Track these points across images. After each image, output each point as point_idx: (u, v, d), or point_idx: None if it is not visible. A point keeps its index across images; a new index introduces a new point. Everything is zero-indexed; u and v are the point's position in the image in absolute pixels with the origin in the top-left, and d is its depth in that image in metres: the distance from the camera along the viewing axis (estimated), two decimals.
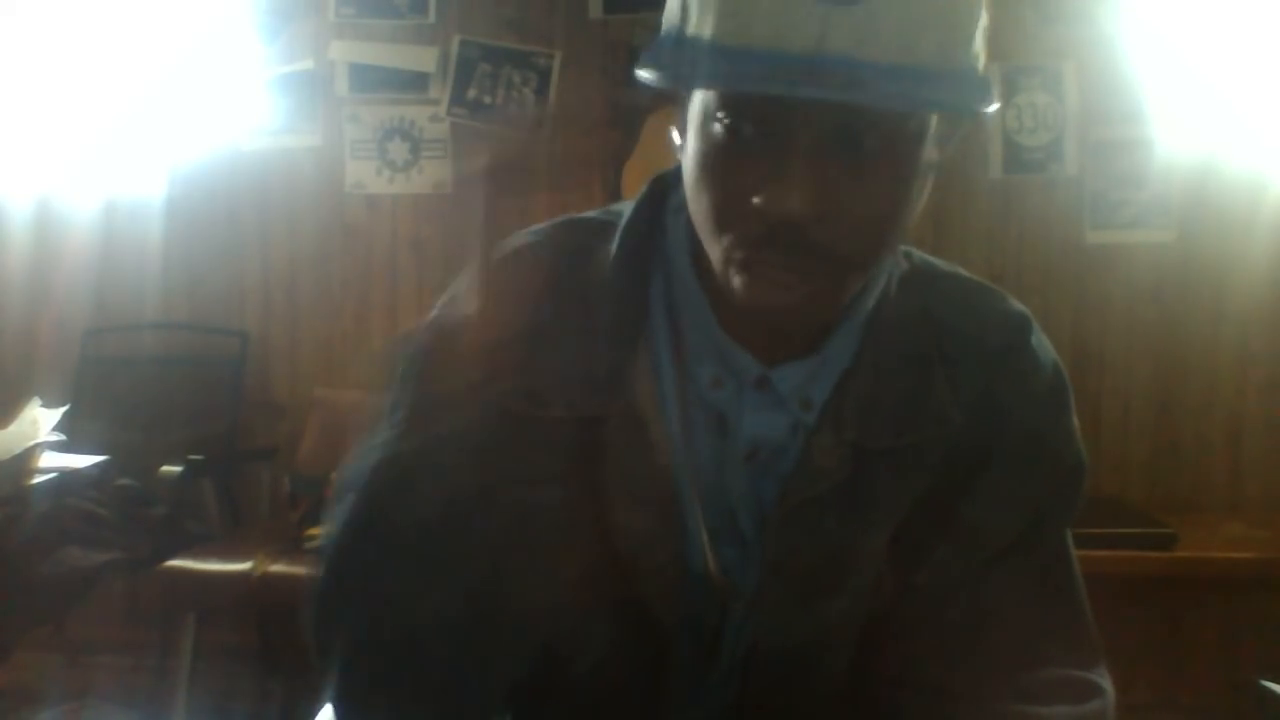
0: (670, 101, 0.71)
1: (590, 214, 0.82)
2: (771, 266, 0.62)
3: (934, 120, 0.64)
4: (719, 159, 0.63)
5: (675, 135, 0.71)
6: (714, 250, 0.66)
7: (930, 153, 0.65)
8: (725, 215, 0.63)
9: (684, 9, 0.62)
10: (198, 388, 2.77)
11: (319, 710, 0.93)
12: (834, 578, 0.74)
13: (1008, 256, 2.63)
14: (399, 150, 2.77)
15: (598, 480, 0.72)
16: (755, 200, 0.60)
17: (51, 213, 2.83)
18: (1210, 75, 2.46)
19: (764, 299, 0.63)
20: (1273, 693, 1.60)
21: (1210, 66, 2.46)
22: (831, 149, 0.60)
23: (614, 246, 0.76)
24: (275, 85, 2.78)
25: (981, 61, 0.65)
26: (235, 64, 2.76)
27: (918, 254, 0.81)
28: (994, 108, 0.64)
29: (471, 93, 2.74)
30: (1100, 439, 2.60)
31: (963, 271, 0.82)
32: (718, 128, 0.62)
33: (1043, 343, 0.79)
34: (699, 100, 0.64)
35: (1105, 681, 0.75)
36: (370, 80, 2.77)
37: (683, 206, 0.75)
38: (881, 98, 0.57)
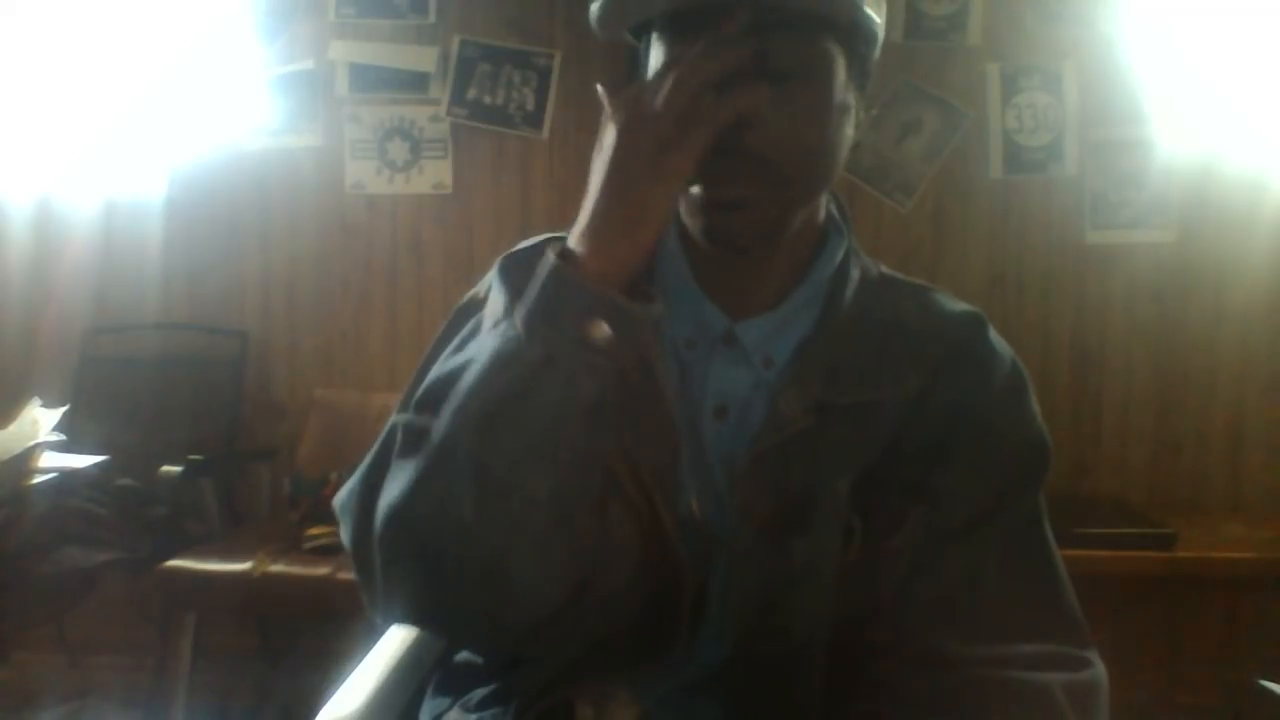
0: None
1: None
2: (721, 168, 0.72)
3: (839, 63, 0.76)
4: None
5: None
6: None
7: (841, 93, 0.77)
8: None
9: None
10: (198, 388, 2.77)
11: (319, 710, 0.93)
12: (800, 516, 0.78)
13: (1008, 256, 2.64)
14: (399, 150, 2.77)
15: (620, 417, 0.76)
16: None
17: (51, 213, 2.83)
18: (1210, 75, 2.46)
19: (721, 194, 0.75)
20: (1272, 693, 1.60)
21: (1210, 66, 2.46)
22: (746, 70, 0.71)
23: None
24: (275, 85, 2.78)
25: (874, 17, 0.77)
26: (235, 64, 2.76)
27: (886, 269, 0.91)
28: (876, 25, 0.77)
29: (471, 93, 2.74)
30: (1100, 439, 2.60)
31: (926, 283, 0.90)
32: None
33: (999, 339, 0.86)
34: (652, 65, 0.77)
35: (1097, 661, 0.76)
36: (370, 80, 2.77)
37: None
38: (777, 22, 0.71)
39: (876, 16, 0.77)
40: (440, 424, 0.70)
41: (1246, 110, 2.47)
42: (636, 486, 0.78)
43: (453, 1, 2.73)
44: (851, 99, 0.78)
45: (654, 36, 0.77)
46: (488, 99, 2.73)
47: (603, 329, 0.67)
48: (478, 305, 0.85)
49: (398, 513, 0.71)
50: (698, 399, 0.82)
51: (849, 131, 0.79)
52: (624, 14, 0.77)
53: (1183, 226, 2.55)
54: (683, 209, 0.78)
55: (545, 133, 2.73)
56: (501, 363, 0.69)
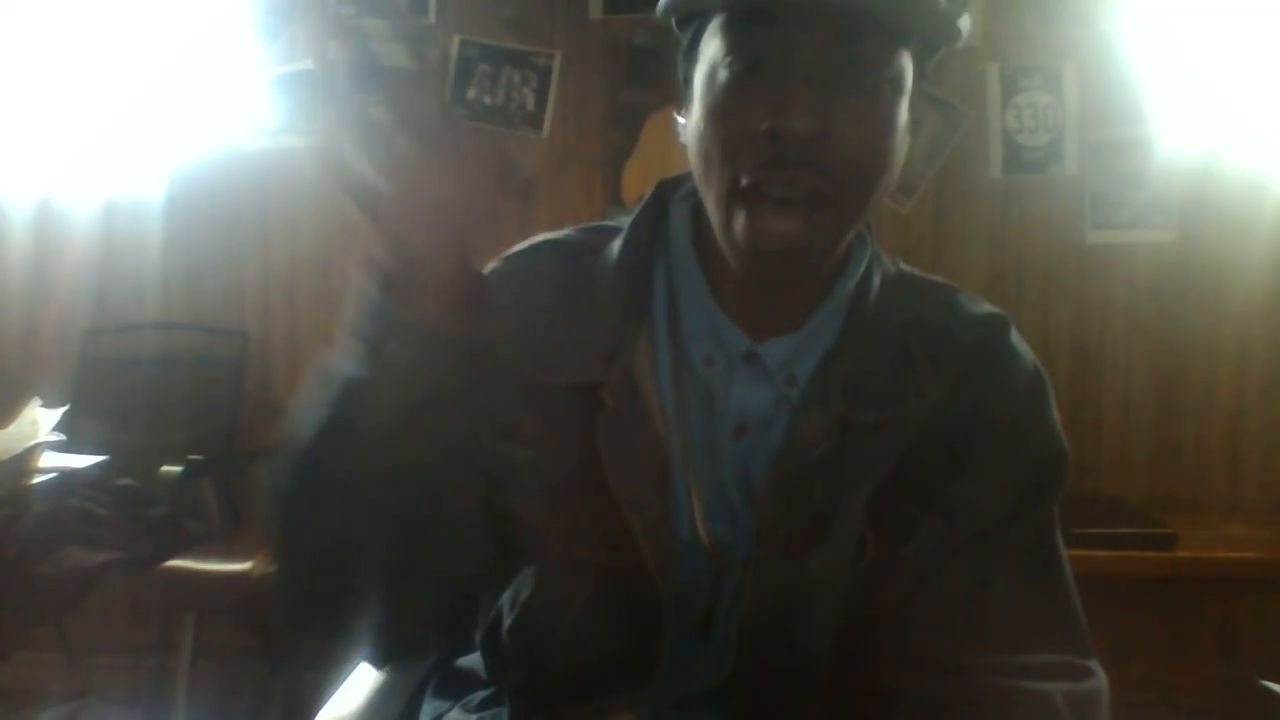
0: (669, 102, 0.76)
1: (608, 222, 0.88)
2: (779, 186, 0.68)
3: (909, 77, 0.71)
4: (728, 101, 0.69)
5: (679, 119, 0.77)
6: (719, 192, 0.71)
7: (905, 112, 0.72)
8: (735, 149, 0.69)
9: None
10: (198, 388, 2.76)
11: (319, 710, 0.93)
12: (818, 529, 0.76)
13: (1008, 256, 2.64)
14: None
15: (595, 441, 0.76)
16: (764, 126, 0.67)
17: (51, 213, 2.83)
18: (1210, 75, 2.46)
19: (771, 225, 0.69)
20: (1272, 693, 1.60)
21: (1210, 66, 2.46)
22: (829, 78, 0.67)
23: (620, 240, 0.83)
24: (275, 85, 2.78)
25: (950, 23, 0.72)
26: (235, 64, 2.76)
27: (905, 265, 0.87)
28: (964, 33, 0.72)
29: (471, 93, 2.74)
30: (1100, 439, 2.60)
31: (946, 280, 0.87)
32: (725, 74, 0.70)
33: (1021, 342, 0.83)
34: (706, 60, 0.72)
35: (1099, 671, 0.76)
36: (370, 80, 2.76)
37: (686, 197, 0.83)
38: (857, 24, 0.65)
39: (949, 22, 0.71)
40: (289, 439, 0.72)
41: (1246, 110, 2.47)
42: (609, 511, 0.75)
43: (452, 1, 2.73)
44: (910, 115, 0.73)
45: (715, 23, 0.71)
46: (488, 99, 2.73)
47: (397, 350, 0.65)
48: None
49: (271, 526, 0.74)
50: (719, 416, 0.79)
51: (904, 152, 0.74)
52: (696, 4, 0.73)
53: (1183, 226, 2.55)
54: (722, 222, 0.72)
55: (545, 133, 2.73)
56: (327, 382, 0.70)
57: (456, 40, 2.72)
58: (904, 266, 0.87)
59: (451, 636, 0.89)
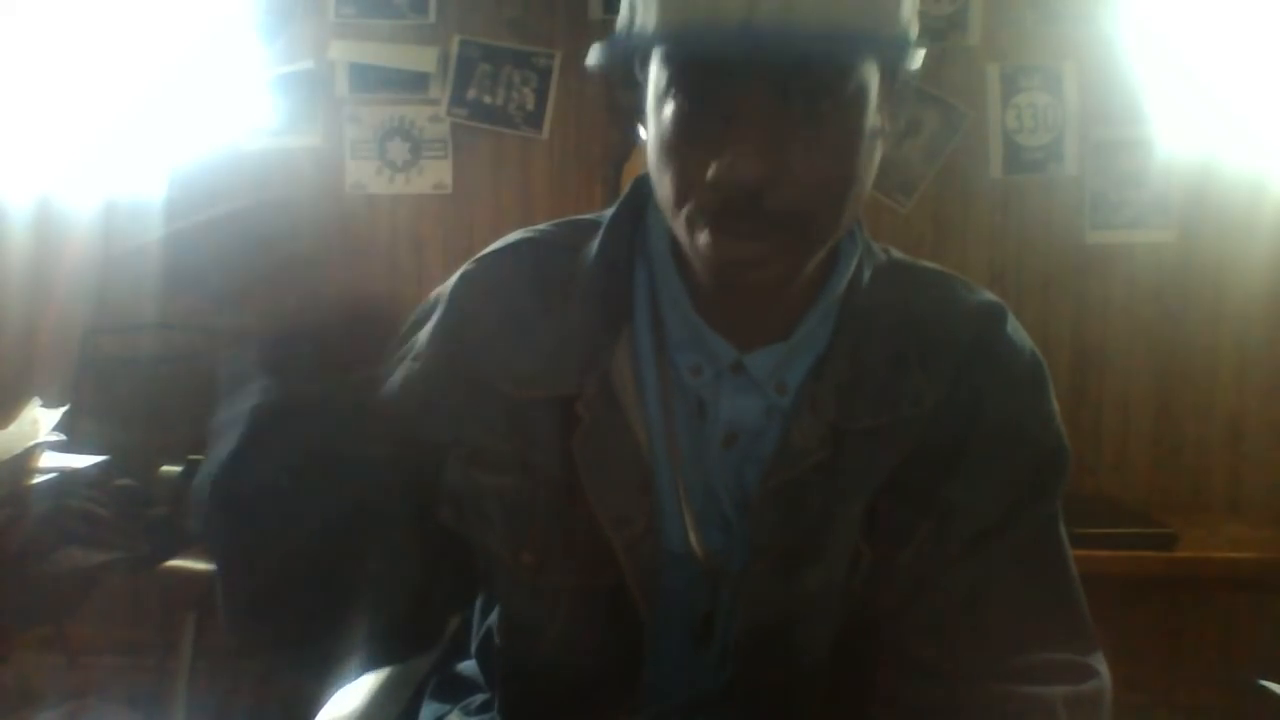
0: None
1: (587, 215, 0.85)
2: (738, 230, 0.65)
3: (874, 85, 0.66)
4: (672, 138, 0.66)
5: (640, 130, 0.75)
6: (678, 222, 0.69)
7: (874, 118, 0.67)
8: (683, 190, 0.67)
9: (631, 8, 0.68)
10: (198, 388, 2.75)
11: (319, 710, 0.93)
12: (814, 547, 0.75)
13: (1008, 256, 2.63)
14: (399, 150, 2.77)
15: (572, 456, 0.74)
16: (708, 175, 0.63)
17: (51, 213, 2.83)
18: (1210, 75, 2.46)
19: (730, 253, 0.66)
20: (1272, 693, 1.60)
21: (1210, 66, 2.46)
22: (773, 115, 0.63)
23: (598, 241, 0.80)
24: (275, 85, 2.78)
25: (913, 30, 0.69)
26: (235, 64, 2.75)
27: (895, 251, 0.84)
28: (916, 62, 0.68)
29: (471, 93, 2.74)
30: (1100, 439, 2.60)
31: (939, 267, 0.84)
32: (669, 109, 0.66)
33: (1018, 330, 0.81)
34: (651, 87, 0.69)
35: (1102, 666, 0.75)
36: (370, 80, 2.77)
37: None
38: (804, 53, 0.61)
39: (911, 30, 0.69)
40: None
41: (1246, 110, 2.47)
42: (588, 530, 0.74)
43: (452, 1, 2.73)
44: (883, 117, 0.69)
45: (656, 58, 0.68)
46: (488, 99, 2.73)
47: (273, 416, 0.62)
48: (430, 309, 0.83)
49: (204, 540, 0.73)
50: (710, 425, 0.77)
51: (878, 154, 0.71)
52: (630, 53, 0.70)
53: (1183, 226, 2.55)
54: (685, 243, 0.70)
55: (545, 133, 2.73)
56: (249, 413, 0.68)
57: (456, 40, 2.72)
58: (895, 254, 0.84)
59: (418, 652, 0.88)
